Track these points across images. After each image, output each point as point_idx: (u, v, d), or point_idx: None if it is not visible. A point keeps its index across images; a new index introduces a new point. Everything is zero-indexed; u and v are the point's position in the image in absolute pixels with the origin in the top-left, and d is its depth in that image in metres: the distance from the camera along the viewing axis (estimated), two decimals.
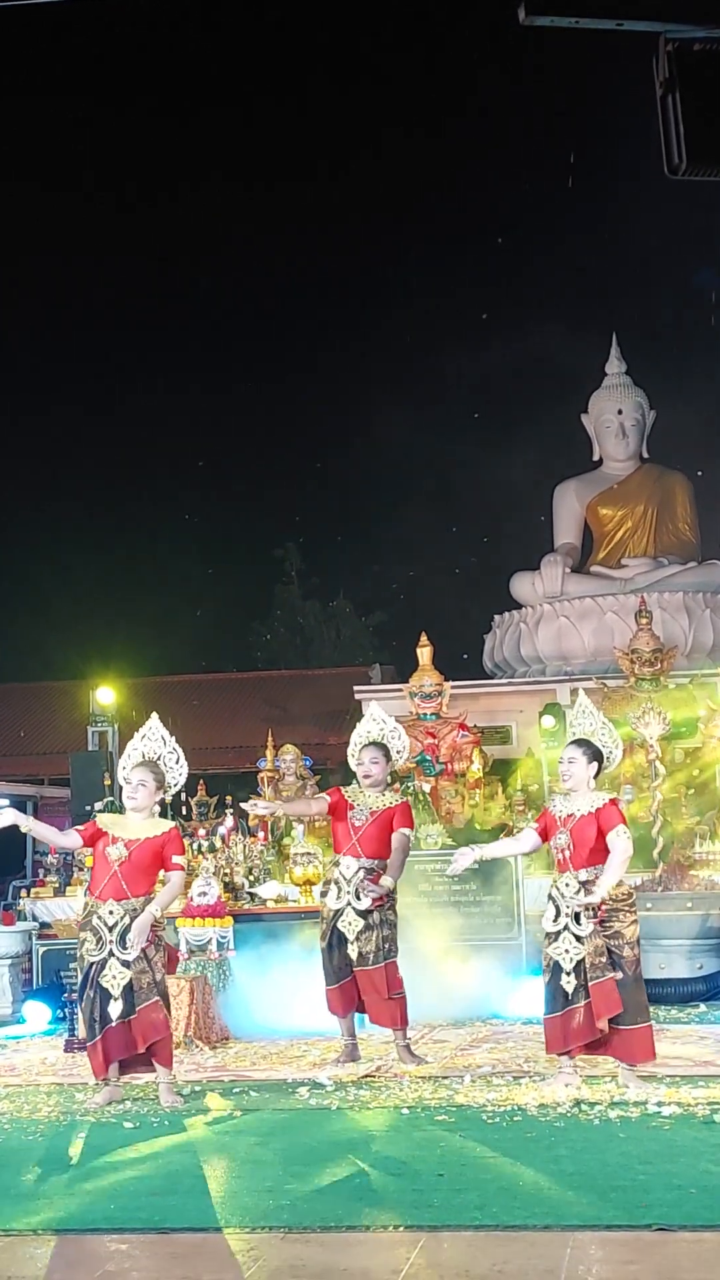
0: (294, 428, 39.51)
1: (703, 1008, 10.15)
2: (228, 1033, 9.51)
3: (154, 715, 8.01)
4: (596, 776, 7.43)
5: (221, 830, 12.74)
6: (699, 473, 22.90)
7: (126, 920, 7.23)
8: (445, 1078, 7.50)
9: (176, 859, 7.44)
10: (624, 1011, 7.00)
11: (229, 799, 15.35)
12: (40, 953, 11.16)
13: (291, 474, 39.91)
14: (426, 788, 13.47)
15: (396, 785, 9.36)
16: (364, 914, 8.17)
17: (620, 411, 23.07)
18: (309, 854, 11.18)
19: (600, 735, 7.59)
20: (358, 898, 8.19)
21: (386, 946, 8.22)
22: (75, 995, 9.40)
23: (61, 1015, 10.07)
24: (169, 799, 8.03)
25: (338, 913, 8.23)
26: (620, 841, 7.12)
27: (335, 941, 8.23)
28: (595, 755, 7.41)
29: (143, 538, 37.75)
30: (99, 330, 42.97)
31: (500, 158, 36.12)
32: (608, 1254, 4.46)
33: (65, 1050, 9.09)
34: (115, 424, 40.31)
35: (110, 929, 7.23)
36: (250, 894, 11.28)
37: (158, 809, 7.72)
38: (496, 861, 11.45)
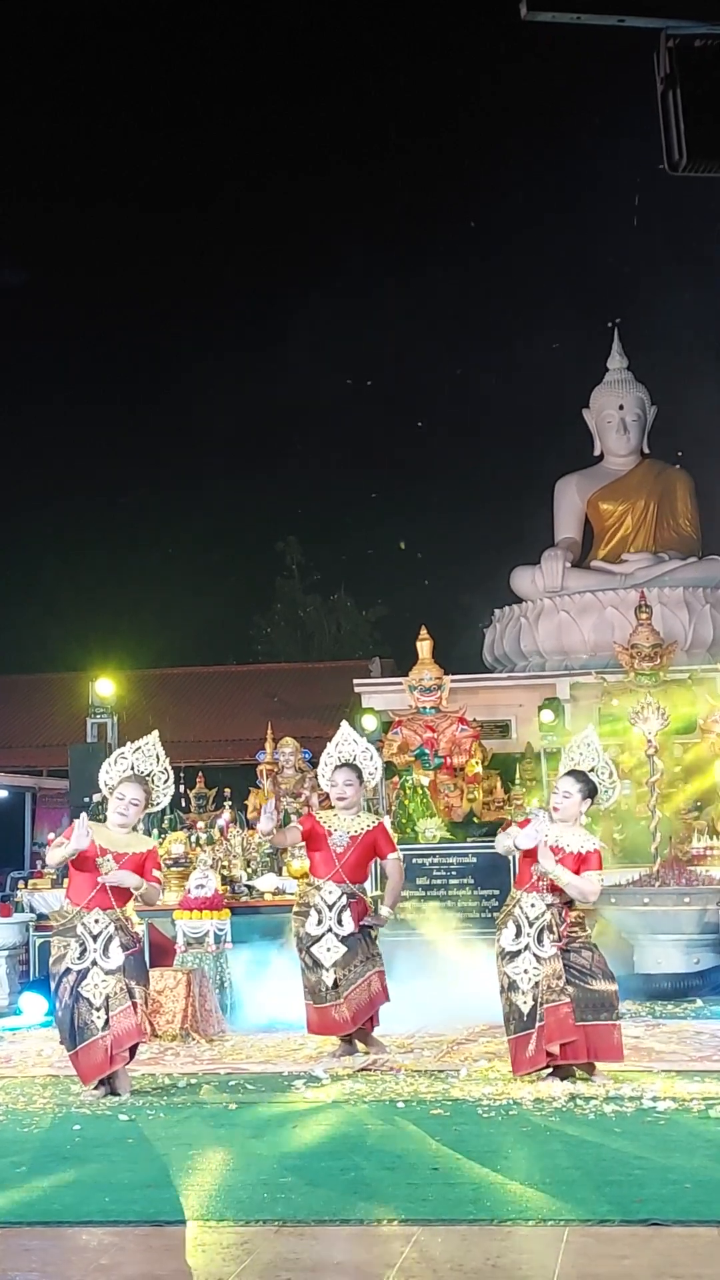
0: (294, 423, 39.48)
1: (699, 1003, 10.16)
2: (224, 1025, 9.52)
3: (154, 733, 7.96)
4: (586, 810, 7.46)
5: (220, 823, 12.75)
6: (679, 454, 22.93)
7: (111, 929, 7.25)
8: (441, 1072, 7.51)
9: (156, 873, 7.52)
10: (591, 1007, 7.04)
11: (228, 791, 15.37)
12: (37, 944, 11.16)
13: (293, 467, 39.91)
14: (425, 781, 13.47)
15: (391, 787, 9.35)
16: (345, 939, 8.16)
17: (621, 407, 23.07)
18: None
19: (600, 773, 7.56)
20: (339, 923, 8.18)
21: (372, 953, 8.23)
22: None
23: None
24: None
25: (316, 939, 8.21)
26: (596, 877, 7.25)
27: (311, 965, 8.22)
28: (591, 791, 7.41)
29: (144, 530, 37.78)
30: (102, 328, 42.97)
31: (498, 156, 36.05)
32: (602, 1249, 4.47)
33: (61, 1042, 9.09)
34: (118, 418, 40.32)
35: (95, 938, 7.24)
36: (248, 887, 11.29)
37: (141, 824, 7.76)
38: (494, 855, 11.47)
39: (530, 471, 26.87)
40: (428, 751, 14.15)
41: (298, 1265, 4.42)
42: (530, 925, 7.14)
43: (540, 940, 7.09)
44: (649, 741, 12.17)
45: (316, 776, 15.07)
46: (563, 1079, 7.03)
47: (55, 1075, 7.95)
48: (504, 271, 34.70)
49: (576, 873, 7.23)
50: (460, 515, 35.69)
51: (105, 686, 17.44)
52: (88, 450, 39.45)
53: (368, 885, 8.67)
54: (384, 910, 8.40)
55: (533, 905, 7.18)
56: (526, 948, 7.12)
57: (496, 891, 11.23)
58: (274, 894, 11.12)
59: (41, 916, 11.66)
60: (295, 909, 8.54)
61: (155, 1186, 5.38)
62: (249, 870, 11.58)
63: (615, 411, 23.05)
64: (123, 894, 7.38)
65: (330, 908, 8.22)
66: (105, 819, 7.73)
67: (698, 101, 4.53)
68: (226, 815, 13.34)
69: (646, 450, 23.30)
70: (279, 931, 11.31)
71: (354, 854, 8.32)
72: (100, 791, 12.58)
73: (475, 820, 13.48)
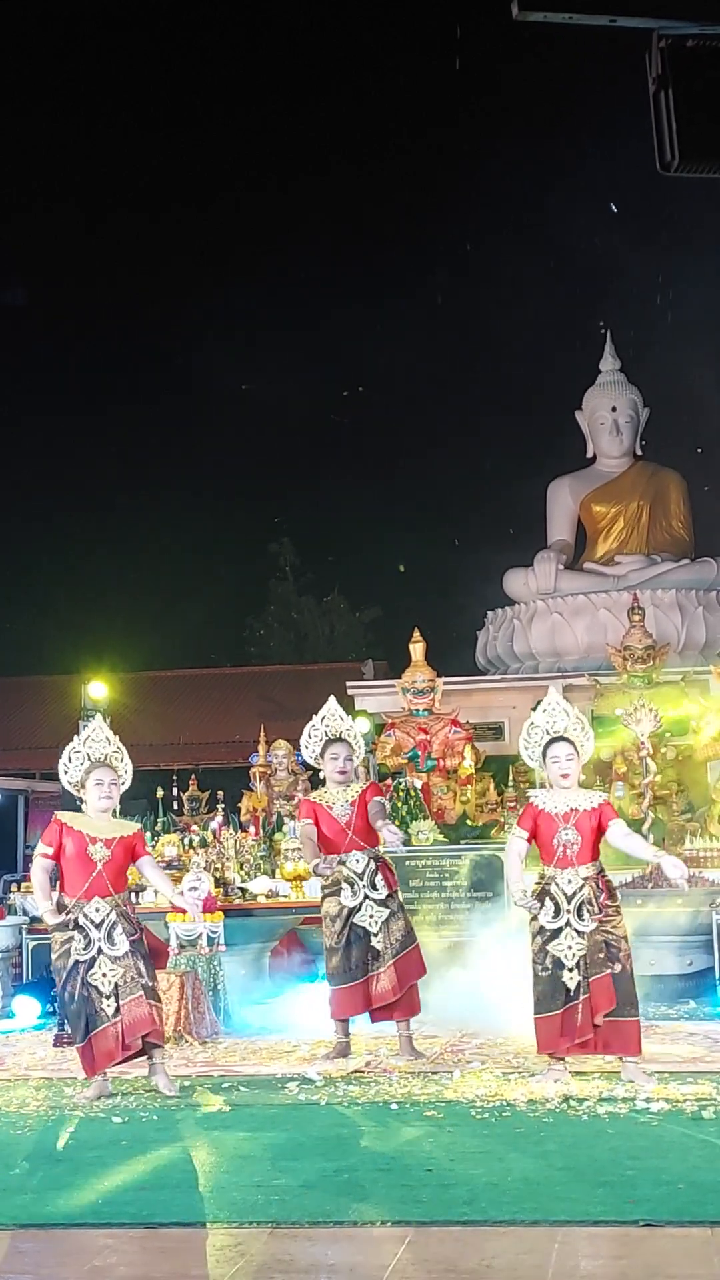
0: (288, 422, 39.48)
1: (692, 1004, 10.16)
2: (217, 1028, 9.52)
3: (97, 716, 8.02)
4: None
5: (213, 825, 12.73)
6: (699, 450, 22.99)
7: (113, 916, 7.29)
8: (434, 1073, 7.51)
9: (146, 849, 7.67)
10: (618, 1004, 7.05)
11: (221, 794, 15.36)
12: (30, 947, 11.14)
13: (287, 469, 39.91)
14: (418, 784, 13.46)
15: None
16: (383, 902, 8.17)
17: (614, 409, 23.07)
18: (300, 850, 11.16)
19: (575, 730, 7.60)
20: (374, 888, 8.20)
21: (409, 928, 8.27)
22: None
23: (51, 1010, 10.07)
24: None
25: (354, 910, 8.20)
26: (649, 843, 7.51)
27: (353, 939, 8.19)
28: (579, 748, 7.49)
29: (138, 532, 37.75)
30: (95, 327, 42.96)
31: (494, 156, 36.07)
32: (595, 1249, 4.48)
33: (54, 1045, 9.09)
34: (111, 419, 40.29)
35: (98, 926, 7.27)
36: (241, 889, 11.27)
37: (118, 807, 7.82)
38: (487, 858, 11.50)
39: (523, 473, 26.89)
40: (420, 754, 14.14)
41: (292, 1267, 4.42)
42: (568, 901, 7.16)
43: (580, 915, 7.12)
44: (642, 743, 12.17)
45: (309, 779, 15.12)
46: (556, 1078, 7.04)
47: (49, 1078, 7.94)
48: (498, 271, 34.71)
49: (601, 828, 7.29)
50: (453, 517, 35.72)
51: (98, 689, 17.43)
52: (82, 452, 39.45)
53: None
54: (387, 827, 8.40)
55: (569, 881, 7.20)
56: (567, 924, 7.14)
57: (489, 894, 11.23)
58: (267, 896, 11.11)
59: (34, 919, 11.64)
60: (325, 891, 8.48)
61: (149, 1189, 5.38)
62: (242, 873, 11.56)
63: (608, 413, 23.04)
64: (121, 879, 7.42)
65: (361, 875, 8.26)
66: (82, 809, 7.72)
67: (690, 102, 4.53)
68: (220, 818, 13.32)
69: (639, 452, 23.31)
70: (272, 934, 11.30)
71: (359, 819, 8.36)
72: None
73: (468, 822, 13.46)
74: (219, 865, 11.33)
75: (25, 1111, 6.98)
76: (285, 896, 10.97)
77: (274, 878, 11.40)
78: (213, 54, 40.09)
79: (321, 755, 8.67)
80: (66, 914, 7.37)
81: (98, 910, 7.30)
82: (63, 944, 7.33)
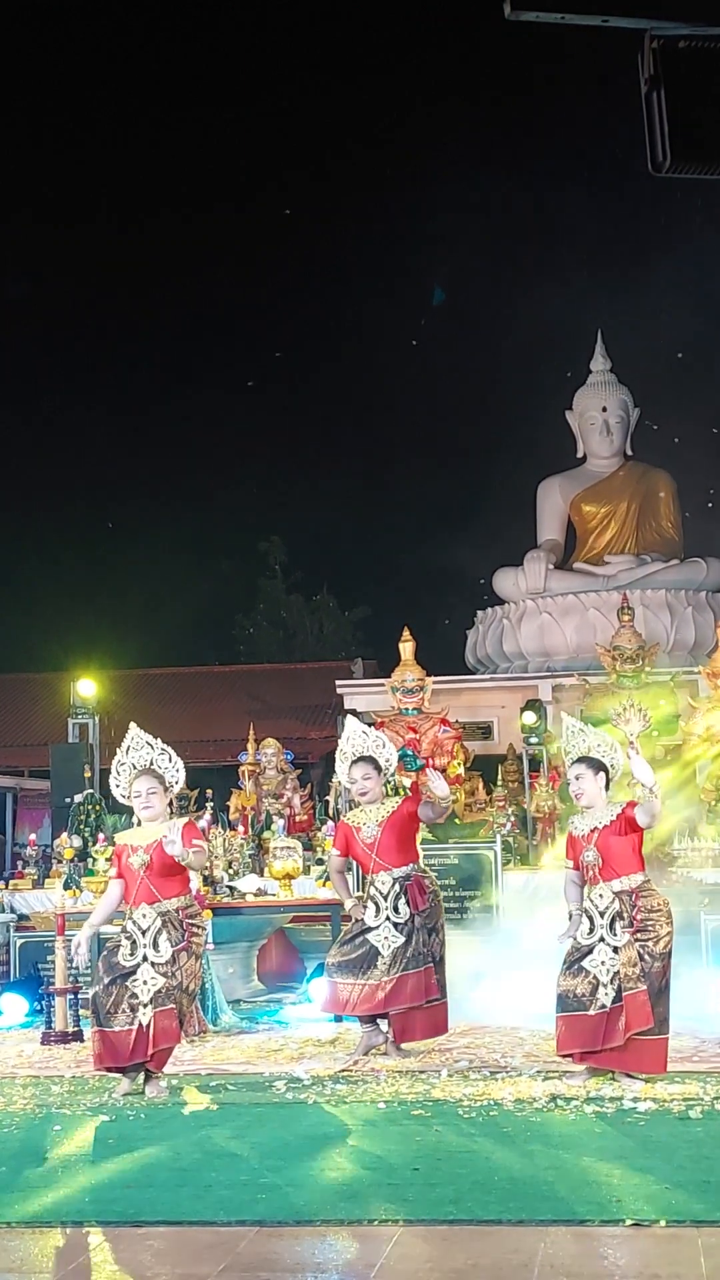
0: (281, 421, 39.47)
1: None
2: (205, 1026, 9.50)
3: (132, 725, 7.99)
4: (607, 788, 7.46)
5: (201, 824, 12.72)
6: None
7: (159, 923, 7.37)
8: (422, 1072, 7.50)
9: (196, 842, 7.55)
10: (654, 1023, 7.03)
11: (209, 793, 15.35)
12: (18, 945, 11.12)
13: (277, 467, 39.89)
14: (407, 783, 13.46)
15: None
16: (402, 926, 8.11)
17: (604, 409, 23.13)
18: (288, 848, 11.17)
19: (597, 749, 7.58)
20: (396, 911, 8.14)
21: (426, 950, 8.12)
22: (54, 987, 9.41)
23: (39, 1008, 10.06)
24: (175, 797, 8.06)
25: (374, 928, 8.15)
26: (657, 805, 7.21)
27: (362, 944, 8.12)
28: (600, 767, 7.45)
29: (127, 530, 37.73)
30: (85, 325, 42.90)
31: (482, 153, 36.10)
32: (582, 1249, 4.48)
33: (42, 1043, 9.07)
34: (100, 416, 40.24)
35: (144, 932, 7.38)
36: (229, 888, 11.27)
37: (168, 810, 7.80)
38: (476, 857, 11.50)
39: (514, 472, 26.93)
40: (410, 753, 14.14)
41: (278, 1265, 4.42)
42: (601, 916, 7.16)
43: (613, 929, 7.11)
44: (630, 743, 12.17)
45: (299, 778, 15.15)
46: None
47: (36, 1076, 7.93)
48: (492, 268, 34.75)
49: (635, 829, 7.21)
50: (443, 516, 35.76)
51: (87, 687, 17.42)
52: (70, 449, 39.41)
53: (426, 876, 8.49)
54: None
55: (600, 896, 7.20)
56: (601, 940, 7.13)
57: (476, 893, 11.24)
58: (256, 895, 11.10)
59: (23, 917, 11.62)
60: (362, 904, 8.42)
61: (136, 1187, 5.38)
62: (230, 871, 11.55)
63: (598, 413, 23.11)
64: (168, 886, 7.45)
65: (385, 897, 8.18)
66: (134, 822, 7.84)
67: (682, 102, 4.53)
68: (208, 816, 13.32)
69: (629, 452, 23.36)
70: (260, 932, 11.30)
71: (386, 837, 8.24)
72: (81, 794, 12.56)
73: (456, 822, 13.47)
74: (207, 863, 11.33)
75: (12, 1110, 6.96)
76: (273, 895, 10.95)
77: (262, 876, 11.40)
78: (215, 46, 40.10)
79: (350, 777, 8.58)
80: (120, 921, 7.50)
81: (144, 916, 7.40)
82: (114, 941, 7.47)
